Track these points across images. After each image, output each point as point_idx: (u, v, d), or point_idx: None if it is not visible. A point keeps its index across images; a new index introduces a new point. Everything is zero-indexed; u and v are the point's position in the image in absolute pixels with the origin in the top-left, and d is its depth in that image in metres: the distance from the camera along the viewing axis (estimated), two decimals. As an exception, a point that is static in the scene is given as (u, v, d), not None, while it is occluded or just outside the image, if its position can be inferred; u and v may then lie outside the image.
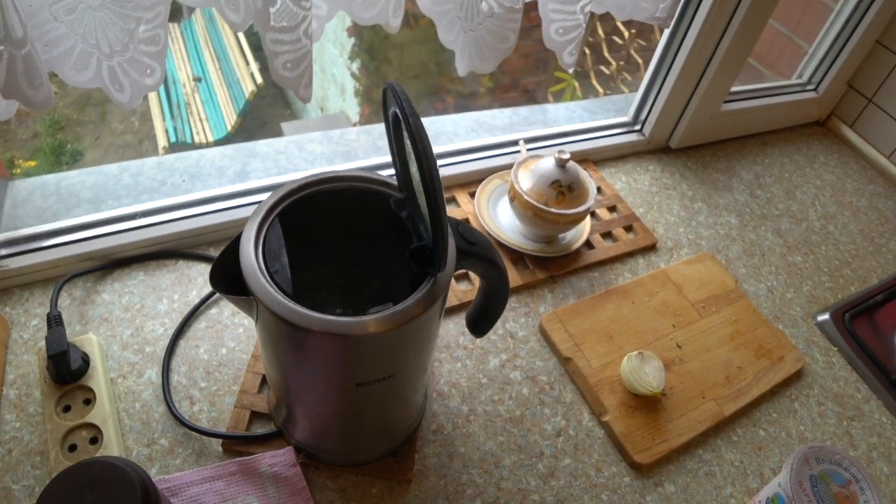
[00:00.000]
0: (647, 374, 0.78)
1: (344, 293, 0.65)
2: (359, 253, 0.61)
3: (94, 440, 0.68)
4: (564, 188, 0.86)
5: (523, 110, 1.27)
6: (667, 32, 1.06)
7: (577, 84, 2.95)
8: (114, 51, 0.62)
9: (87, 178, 0.97)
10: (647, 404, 0.80)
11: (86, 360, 0.72)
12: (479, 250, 0.57)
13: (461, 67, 0.76)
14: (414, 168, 0.53)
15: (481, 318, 0.68)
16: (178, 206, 0.88)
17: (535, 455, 0.75)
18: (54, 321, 0.72)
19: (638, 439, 0.77)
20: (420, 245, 0.52)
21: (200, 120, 3.85)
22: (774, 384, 0.87)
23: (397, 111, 0.47)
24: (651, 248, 1.01)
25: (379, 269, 0.62)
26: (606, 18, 2.86)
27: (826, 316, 0.98)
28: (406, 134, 0.47)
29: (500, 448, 0.75)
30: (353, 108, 3.69)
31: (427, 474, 0.71)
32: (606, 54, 2.86)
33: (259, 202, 0.57)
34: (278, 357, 0.57)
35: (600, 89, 2.92)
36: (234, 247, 0.53)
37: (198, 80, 4.11)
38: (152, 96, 3.96)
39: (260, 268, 0.51)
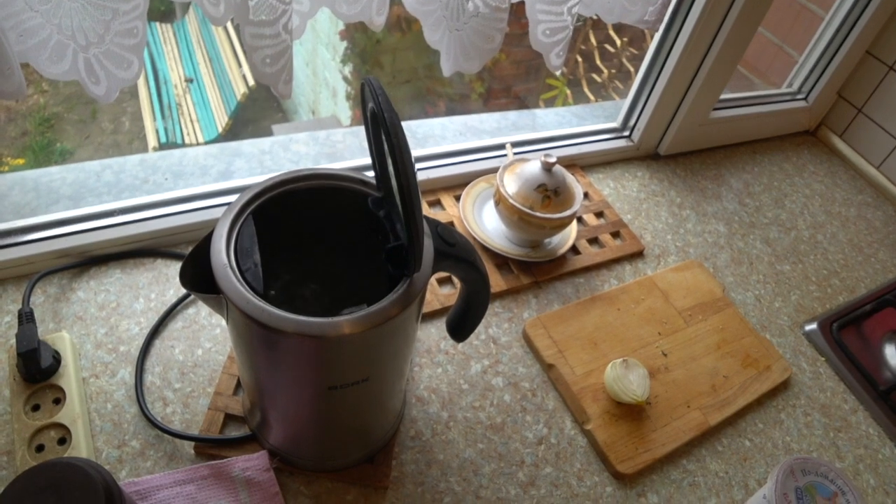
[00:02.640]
0: (631, 382, 0.77)
1: (318, 294, 0.63)
2: (335, 253, 0.60)
3: (63, 441, 0.67)
4: (550, 192, 0.85)
5: (512, 115, 1.26)
6: (657, 37, 1.05)
7: (568, 91, 2.94)
8: (90, 42, 0.60)
9: (67, 175, 0.95)
10: (630, 413, 0.78)
11: (57, 359, 0.70)
12: (458, 252, 0.56)
13: (446, 67, 0.75)
14: (391, 167, 0.51)
15: (461, 323, 0.66)
16: (158, 203, 0.86)
17: (515, 463, 0.73)
18: (25, 318, 0.71)
19: (621, 448, 0.75)
20: (396, 245, 0.51)
21: (191, 121, 3.84)
22: (761, 394, 0.85)
23: (374, 106, 0.46)
24: (638, 254, 1.00)
25: (356, 270, 0.60)
26: (599, 27, 2.86)
27: (814, 325, 0.97)
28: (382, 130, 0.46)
29: (480, 455, 0.73)
30: (344, 112, 3.68)
31: (404, 481, 0.70)
32: (598, 62, 2.86)
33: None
34: (250, 358, 0.55)
35: (592, 97, 2.92)
36: (206, 244, 0.51)
37: (189, 81, 4.09)
38: (143, 96, 3.94)
39: (231, 266, 0.49)
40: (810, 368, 0.92)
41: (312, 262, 0.62)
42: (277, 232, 0.55)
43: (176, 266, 0.84)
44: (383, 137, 0.50)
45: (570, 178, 0.88)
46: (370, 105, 0.49)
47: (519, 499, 0.70)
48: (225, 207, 0.87)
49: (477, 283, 0.59)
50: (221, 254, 0.50)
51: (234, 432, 0.70)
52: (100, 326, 0.77)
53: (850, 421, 0.87)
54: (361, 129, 1.15)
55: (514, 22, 0.75)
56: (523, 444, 0.75)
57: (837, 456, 0.83)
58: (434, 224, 0.55)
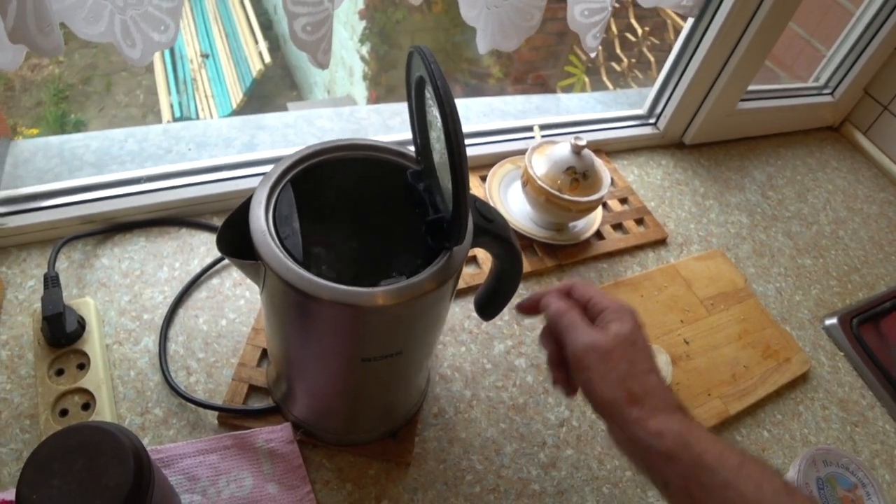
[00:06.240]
0: (654, 367, 0.76)
1: (355, 266, 0.63)
2: (372, 225, 0.59)
3: (87, 406, 0.67)
4: (579, 175, 0.84)
5: (536, 98, 1.25)
6: (687, 25, 1.04)
7: (587, 79, 2.92)
8: (128, 4, 0.60)
9: (91, 142, 0.94)
10: (652, 399, 0.78)
11: (81, 324, 0.70)
12: (495, 228, 0.55)
13: (482, 45, 0.74)
14: (434, 137, 0.51)
15: (491, 301, 0.66)
16: (184, 172, 0.86)
17: (536, 444, 0.73)
18: (51, 282, 0.70)
19: (642, 434, 0.75)
20: (437, 217, 0.51)
21: (206, 97, 3.82)
22: (780, 385, 0.85)
23: (424, 75, 0.45)
24: (661, 242, 1.00)
25: (393, 243, 0.60)
26: (620, 15, 2.84)
27: (834, 320, 0.97)
28: (432, 97, 0.46)
29: (502, 435, 0.73)
30: (360, 92, 3.66)
31: (426, 458, 0.70)
32: (619, 51, 2.84)
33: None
34: (283, 327, 0.55)
35: (610, 86, 2.90)
36: (243, 210, 0.51)
37: (205, 56, 4.07)
38: (159, 71, 3.92)
39: (270, 232, 0.49)
40: (829, 362, 0.92)
41: (349, 233, 0.61)
42: (316, 201, 0.55)
43: (201, 236, 0.83)
44: (427, 107, 0.49)
45: (598, 161, 0.88)
46: (417, 74, 0.48)
47: (540, 479, 0.70)
48: (252, 178, 0.87)
49: (510, 260, 0.59)
50: (260, 220, 0.49)
51: (258, 404, 0.70)
52: (123, 294, 0.77)
53: (867, 416, 0.87)
54: (385, 107, 1.15)
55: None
56: (545, 425, 0.75)
57: (854, 450, 0.83)
58: (472, 199, 0.55)
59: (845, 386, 0.90)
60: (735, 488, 0.42)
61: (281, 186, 0.52)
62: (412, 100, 0.52)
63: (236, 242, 0.50)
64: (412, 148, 0.57)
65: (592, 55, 0.79)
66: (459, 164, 0.42)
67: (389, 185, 0.57)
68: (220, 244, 0.51)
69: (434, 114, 0.48)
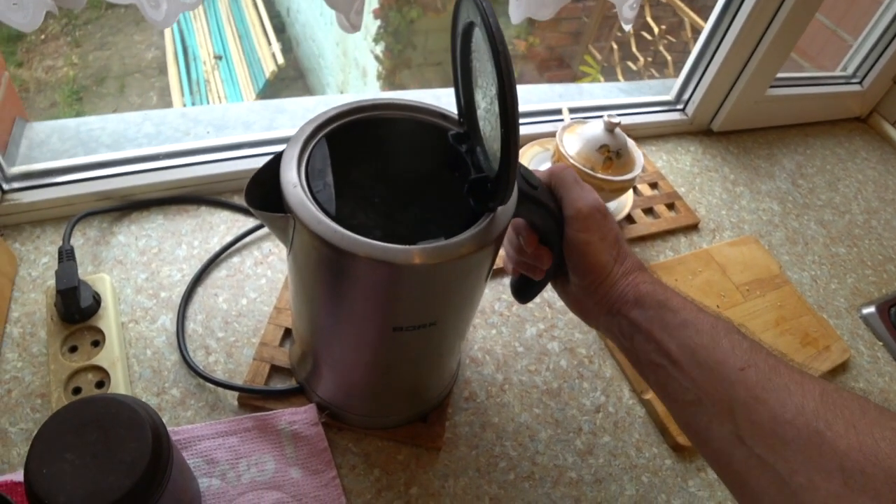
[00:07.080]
0: (693, 352, 0.73)
1: (390, 229, 0.59)
2: (409, 188, 0.56)
3: (101, 384, 0.64)
4: (612, 154, 0.81)
5: (559, 87, 1.22)
6: (717, 9, 1.01)
7: (602, 79, 2.90)
8: (151, -40, 0.57)
9: (107, 125, 0.92)
10: (691, 385, 0.75)
11: (97, 300, 0.67)
12: (540, 196, 0.52)
13: (515, 14, 0.71)
14: (480, 94, 0.48)
15: (530, 280, 0.61)
16: (204, 150, 0.83)
17: (572, 430, 0.70)
18: (66, 255, 0.68)
19: (681, 420, 0.71)
20: (481, 176, 0.47)
21: (219, 97, 3.81)
22: (820, 373, 0.82)
23: (474, 18, 0.42)
24: (693, 227, 0.96)
25: (430, 208, 0.56)
26: (636, 15, 2.81)
27: (872, 309, 0.93)
28: (480, 43, 0.42)
29: (536, 421, 0.69)
30: (374, 92, 3.65)
31: (458, 443, 0.66)
32: (635, 50, 2.81)
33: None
34: (311, 292, 0.52)
35: (625, 85, 2.87)
36: (274, 164, 0.48)
37: (218, 58, 4.06)
38: (172, 72, 3.92)
39: (301, 185, 0.46)
40: (868, 352, 0.88)
41: (384, 195, 0.58)
42: (350, 159, 0.52)
43: (220, 214, 0.80)
44: (480, 57, 0.46)
45: (630, 141, 0.85)
46: (466, 21, 0.45)
47: (576, 467, 0.67)
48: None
49: (553, 233, 0.55)
50: (292, 172, 0.46)
51: (280, 384, 0.67)
52: (140, 271, 0.74)
53: (911, 408, 0.84)
54: (406, 94, 1.12)
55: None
56: (580, 411, 0.71)
57: (902, 442, 0.79)
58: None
59: (885, 376, 0.86)
60: (693, 325, 0.46)
61: (315, 141, 0.49)
62: (457, 52, 0.49)
63: (265, 195, 0.47)
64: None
65: (628, 28, 0.76)
66: (512, 109, 0.39)
67: (428, 147, 0.54)
68: (249, 196, 0.47)
69: (481, 65, 0.45)
